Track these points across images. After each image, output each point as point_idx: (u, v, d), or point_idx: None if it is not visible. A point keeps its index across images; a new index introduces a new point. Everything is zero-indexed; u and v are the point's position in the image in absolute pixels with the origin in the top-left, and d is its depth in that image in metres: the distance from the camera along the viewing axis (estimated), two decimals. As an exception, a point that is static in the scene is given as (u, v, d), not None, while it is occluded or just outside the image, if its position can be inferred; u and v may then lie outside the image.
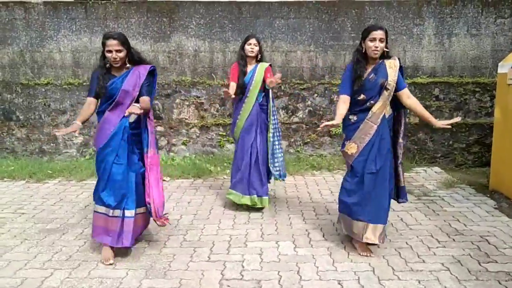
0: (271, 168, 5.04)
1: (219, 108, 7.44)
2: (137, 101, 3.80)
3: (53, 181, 6.49)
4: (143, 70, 3.85)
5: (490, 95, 7.22)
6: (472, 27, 7.25)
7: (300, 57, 7.35)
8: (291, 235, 4.37)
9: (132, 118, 3.81)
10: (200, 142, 7.49)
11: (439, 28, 7.26)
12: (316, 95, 7.36)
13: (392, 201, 4.02)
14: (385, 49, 3.76)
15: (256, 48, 4.93)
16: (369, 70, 3.79)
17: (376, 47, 3.68)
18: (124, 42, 3.76)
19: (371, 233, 3.83)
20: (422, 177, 6.56)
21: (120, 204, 3.80)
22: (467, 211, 5.02)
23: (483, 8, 7.21)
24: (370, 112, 3.78)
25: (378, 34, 3.68)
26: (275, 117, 5.07)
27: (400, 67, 3.81)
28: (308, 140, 7.47)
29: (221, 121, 7.42)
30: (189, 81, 7.39)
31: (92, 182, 6.38)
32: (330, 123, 3.58)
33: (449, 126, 3.75)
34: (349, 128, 3.91)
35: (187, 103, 7.42)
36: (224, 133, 7.42)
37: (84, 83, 7.37)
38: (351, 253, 3.91)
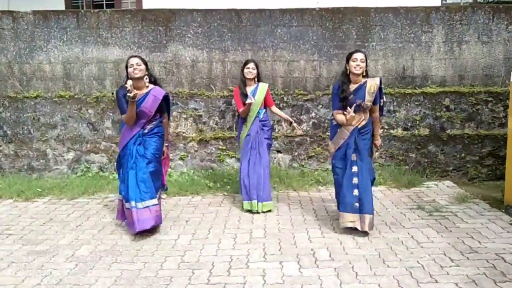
0: None
1: (219, 121, 7.47)
2: (154, 116, 5.06)
3: (43, 199, 6.49)
4: (159, 95, 5.03)
5: (504, 105, 7.26)
6: (483, 34, 7.30)
7: (303, 67, 7.38)
8: (296, 254, 4.37)
9: (147, 130, 5.04)
10: (198, 157, 7.51)
11: (449, 36, 7.31)
12: (320, 106, 7.38)
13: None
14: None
15: (254, 71, 5.82)
16: (352, 91, 4.90)
17: (358, 65, 4.82)
18: (143, 60, 5.03)
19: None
20: (434, 191, 6.57)
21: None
22: (482, 228, 5.02)
23: (494, 14, 7.26)
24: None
25: (359, 56, 4.85)
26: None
27: (380, 88, 4.98)
28: (313, 153, 7.49)
29: (220, 135, 7.45)
30: (186, 93, 7.42)
31: (84, 200, 6.40)
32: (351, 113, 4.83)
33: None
34: (332, 131, 5.18)
35: (185, 116, 7.45)
36: (224, 147, 7.44)
37: (76, 96, 7.41)
38: (359, 274, 3.91)
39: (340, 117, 4.95)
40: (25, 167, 7.58)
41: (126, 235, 4.97)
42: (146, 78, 5.04)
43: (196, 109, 7.44)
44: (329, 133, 7.32)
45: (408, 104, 7.37)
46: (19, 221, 5.58)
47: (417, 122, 7.39)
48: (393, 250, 4.41)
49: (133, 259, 4.35)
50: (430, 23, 7.29)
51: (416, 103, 7.35)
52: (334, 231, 4.99)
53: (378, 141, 5.24)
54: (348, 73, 4.96)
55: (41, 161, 7.56)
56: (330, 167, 7.33)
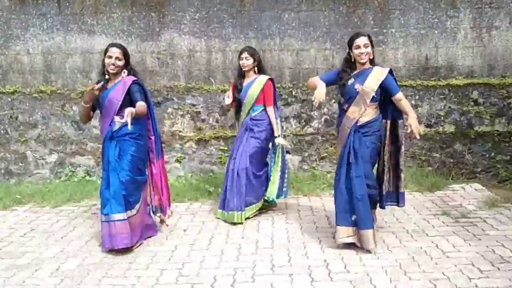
0: (284, 186, 6.03)
1: (219, 118, 7.53)
2: (122, 107, 4.84)
3: (23, 207, 6.55)
4: (128, 80, 4.96)
5: (539, 98, 7.33)
6: (515, 19, 7.35)
7: (313, 56, 7.42)
8: (307, 266, 4.41)
9: (117, 126, 4.90)
10: (197, 158, 7.57)
11: (477, 21, 7.34)
12: (333, 101, 7.40)
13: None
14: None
15: (248, 62, 5.82)
16: (353, 75, 4.85)
17: (362, 52, 4.71)
18: (125, 53, 5.00)
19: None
20: (460, 195, 6.62)
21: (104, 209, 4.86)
22: (514, 235, 5.08)
23: (528, -5, 7.30)
24: (345, 115, 4.86)
25: (361, 41, 4.71)
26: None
27: (392, 75, 4.79)
28: (325, 154, 7.54)
29: (221, 134, 7.51)
30: (183, 87, 7.47)
31: (69, 208, 6.44)
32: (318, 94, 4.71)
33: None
34: (337, 128, 5.13)
35: (181, 112, 7.51)
36: (225, 148, 7.49)
37: (58, 91, 7.46)
38: (378, 287, 3.96)
39: (312, 80, 4.98)
40: (2, 171, 7.63)
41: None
42: (124, 72, 5.02)
43: (193, 105, 7.50)
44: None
45: (432, 97, 7.42)
46: (-3, 231, 5.67)
47: (442, 118, 7.45)
48: (415, 261, 4.45)
49: (125, 273, 4.40)
50: (456, 6, 7.32)
51: (441, 96, 7.41)
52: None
53: (411, 125, 4.58)
54: (352, 60, 4.86)
55: (20, 164, 7.62)
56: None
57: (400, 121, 4.91)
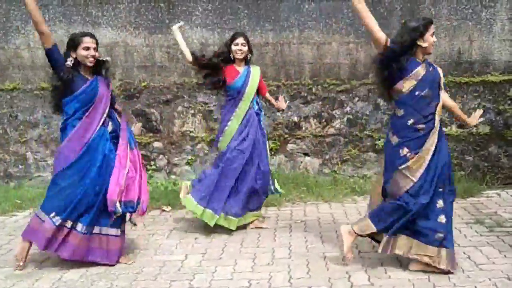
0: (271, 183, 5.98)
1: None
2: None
3: (23, 213, 6.61)
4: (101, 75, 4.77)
5: None
6: (558, 8, 7.29)
7: (336, 51, 7.41)
8: (327, 278, 4.41)
9: (110, 126, 4.74)
10: (209, 161, 7.54)
11: (515, 11, 7.31)
12: (357, 99, 7.42)
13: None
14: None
15: (245, 48, 5.64)
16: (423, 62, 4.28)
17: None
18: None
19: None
20: (495, 202, 6.59)
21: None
22: (555, 246, 5.04)
23: None
24: (436, 113, 4.26)
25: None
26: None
27: None
28: (348, 156, 7.54)
29: (235, 134, 7.51)
30: (194, 84, 7.48)
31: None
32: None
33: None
34: (412, 137, 4.26)
35: (192, 111, 7.54)
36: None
37: (61, 88, 7.51)
38: (404, 302, 3.97)
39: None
40: (1, 174, 7.71)
41: (122, 256, 5.05)
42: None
43: (205, 103, 7.53)
44: (368, 132, 7.44)
45: (465, 95, 7.38)
46: (-5, 238, 5.74)
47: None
48: (445, 273, 4.42)
49: (131, 284, 4.43)
50: (492, -4, 7.31)
51: (474, 94, 7.37)
52: (373, 250, 4.98)
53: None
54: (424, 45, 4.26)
55: (20, 167, 7.69)
56: (368, 173, 7.40)
57: None
